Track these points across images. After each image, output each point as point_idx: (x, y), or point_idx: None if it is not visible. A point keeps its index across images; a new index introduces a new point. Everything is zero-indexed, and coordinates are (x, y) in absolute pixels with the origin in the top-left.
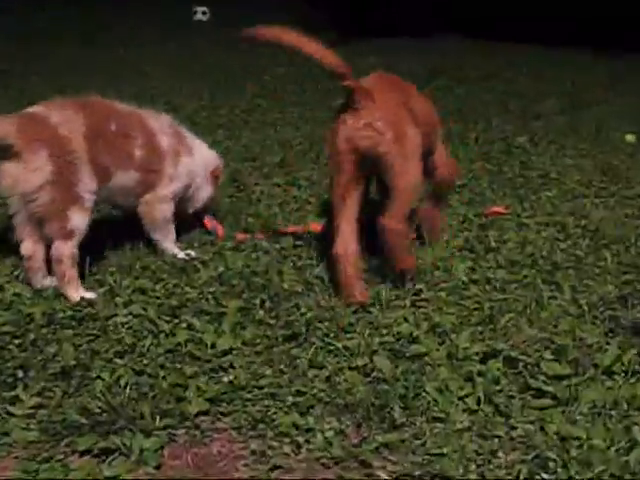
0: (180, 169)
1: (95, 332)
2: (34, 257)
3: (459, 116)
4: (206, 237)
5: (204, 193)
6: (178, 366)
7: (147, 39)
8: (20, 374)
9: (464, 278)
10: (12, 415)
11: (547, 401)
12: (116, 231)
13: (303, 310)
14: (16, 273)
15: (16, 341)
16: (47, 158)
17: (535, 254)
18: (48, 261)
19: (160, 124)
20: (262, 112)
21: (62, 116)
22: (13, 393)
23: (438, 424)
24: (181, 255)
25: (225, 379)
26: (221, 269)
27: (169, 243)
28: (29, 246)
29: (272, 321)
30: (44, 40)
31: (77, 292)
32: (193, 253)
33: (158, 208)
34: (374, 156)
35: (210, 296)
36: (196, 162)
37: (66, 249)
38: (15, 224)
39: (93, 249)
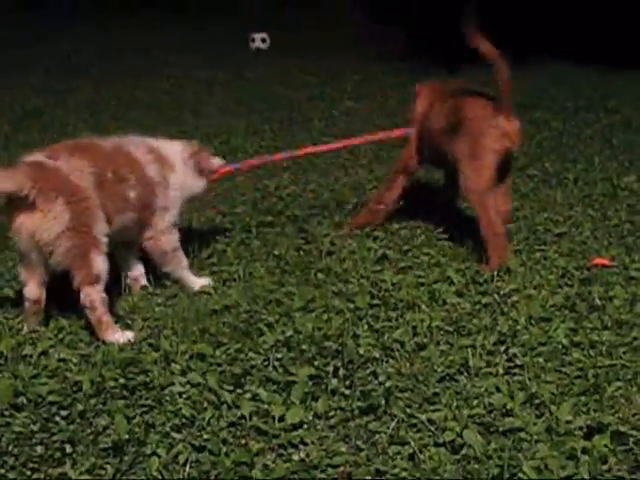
0: (172, 194)
1: (149, 403)
2: (39, 301)
3: (556, 154)
4: (272, 296)
5: (197, 188)
6: (242, 442)
7: (201, 71)
8: (68, 449)
9: (565, 341)
10: None
11: None
12: (169, 289)
13: (382, 379)
14: (61, 336)
15: (63, 412)
16: (64, 206)
17: None
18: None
19: (141, 152)
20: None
21: (70, 163)
22: (60, 470)
23: None
24: (199, 283)
25: (295, 457)
26: (289, 332)
27: (183, 271)
28: (34, 290)
29: (347, 391)
30: (93, 76)
31: (114, 335)
32: (208, 281)
33: (164, 240)
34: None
35: (277, 363)
36: (179, 174)
37: (96, 294)
38: (21, 268)
39: (145, 310)
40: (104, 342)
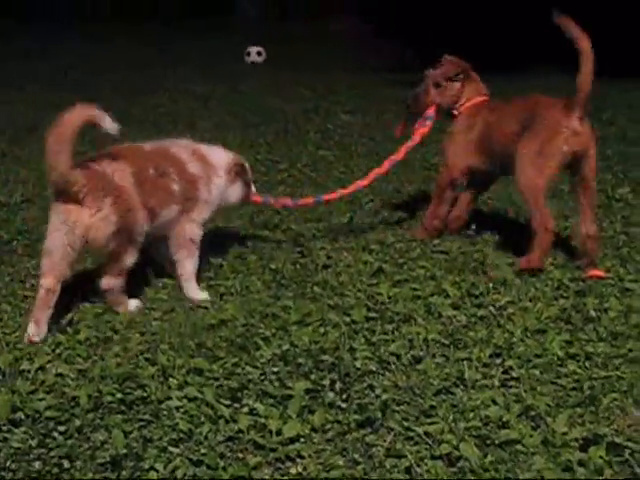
0: (214, 192)
1: (147, 417)
2: (53, 291)
3: None
4: (269, 310)
5: (233, 196)
6: (240, 456)
7: (196, 85)
8: (66, 464)
9: (560, 353)
10: None
11: None
12: (166, 304)
13: (378, 392)
14: (58, 351)
15: (61, 428)
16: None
17: None
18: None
19: (187, 152)
20: (327, 166)
21: (114, 166)
22: None
23: None
24: (198, 296)
25: (293, 470)
26: (285, 346)
27: (189, 267)
28: (51, 281)
29: (344, 404)
30: (89, 91)
31: (125, 306)
32: (206, 296)
33: (187, 228)
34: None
35: (274, 377)
36: (222, 180)
37: (117, 284)
38: (45, 259)
39: (142, 324)
40: (117, 313)
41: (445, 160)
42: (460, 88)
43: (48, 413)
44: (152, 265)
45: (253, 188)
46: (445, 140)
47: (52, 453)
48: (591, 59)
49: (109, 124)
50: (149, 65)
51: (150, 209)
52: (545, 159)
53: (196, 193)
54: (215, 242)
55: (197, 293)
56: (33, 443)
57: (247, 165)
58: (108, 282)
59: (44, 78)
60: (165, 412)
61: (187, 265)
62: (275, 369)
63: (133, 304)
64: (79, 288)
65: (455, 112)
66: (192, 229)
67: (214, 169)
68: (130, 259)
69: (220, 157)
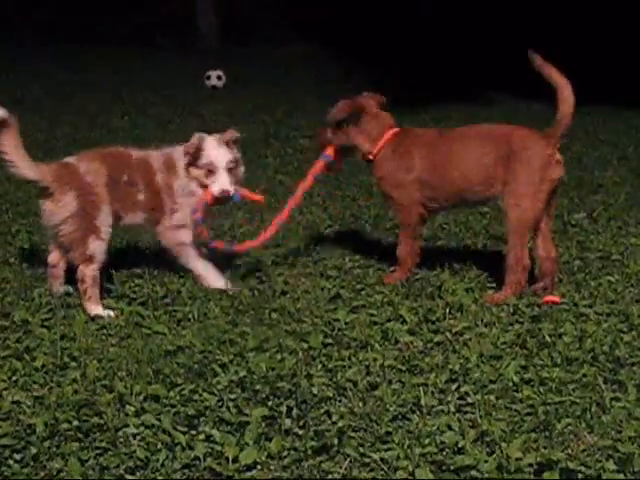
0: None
1: (104, 445)
2: (58, 266)
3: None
4: (226, 336)
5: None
6: None
7: (156, 108)
8: None
9: (515, 378)
10: None
11: None
12: (124, 330)
13: (335, 418)
14: (15, 378)
15: (17, 456)
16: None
17: (595, 349)
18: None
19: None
20: (285, 190)
21: (89, 166)
22: None
23: None
24: (218, 283)
25: None
26: (242, 373)
27: (195, 262)
28: (55, 256)
29: (300, 431)
30: (44, 113)
31: (96, 308)
32: (227, 284)
33: (174, 237)
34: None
35: (231, 403)
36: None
37: (88, 272)
38: (48, 241)
39: (99, 351)
40: (86, 313)
41: (398, 203)
42: (355, 129)
43: (3, 441)
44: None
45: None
46: (383, 186)
47: None
48: (572, 101)
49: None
50: (107, 88)
51: (115, 211)
52: (538, 191)
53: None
54: (173, 268)
55: (215, 280)
56: None
57: None
58: (80, 270)
59: None
60: (122, 440)
61: (195, 264)
62: (232, 396)
63: (105, 312)
64: None
65: (371, 157)
66: (174, 234)
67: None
68: (95, 246)
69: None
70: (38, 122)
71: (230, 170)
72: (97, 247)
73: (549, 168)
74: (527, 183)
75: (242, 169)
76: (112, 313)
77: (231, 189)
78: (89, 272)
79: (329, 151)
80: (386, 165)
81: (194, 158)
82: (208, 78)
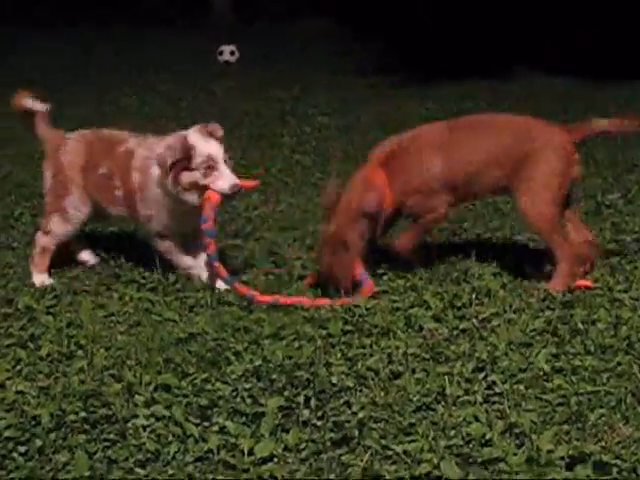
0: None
1: (112, 437)
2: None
3: None
4: (241, 323)
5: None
6: (210, 477)
7: (166, 85)
8: None
9: (546, 367)
10: None
11: None
12: (133, 317)
13: (355, 409)
14: (19, 368)
15: (21, 448)
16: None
17: (631, 336)
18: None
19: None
20: (303, 171)
21: (72, 147)
22: None
23: None
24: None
25: None
26: (258, 362)
27: (182, 261)
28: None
29: (319, 422)
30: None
31: (38, 276)
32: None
33: (156, 244)
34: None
35: (246, 393)
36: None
37: (42, 241)
38: None
39: (107, 339)
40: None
41: (422, 206)
42: None
43: (7, 433)
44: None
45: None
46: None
47: (12, 475)
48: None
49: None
50: (117, 65)
51: (96, 200)
52: (557, 187)
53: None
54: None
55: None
56: None
57: None
58: (37, 235)
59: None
60: (131, 431)
61: (181, 264)
62: (247, 385)
63: (40, 278)
64: None
65: None
66: (156, 242)
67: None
68: (56, 225)
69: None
70: (47, 99)
71: (225, 162)
72: (58, 226)
73: (572, 167)
74: (545, 180)
75: (231, 162)
76: (50, 281)
77: (239, 181)
78: (42, 242)
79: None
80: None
81: (185, 161)
82: (221, 54)
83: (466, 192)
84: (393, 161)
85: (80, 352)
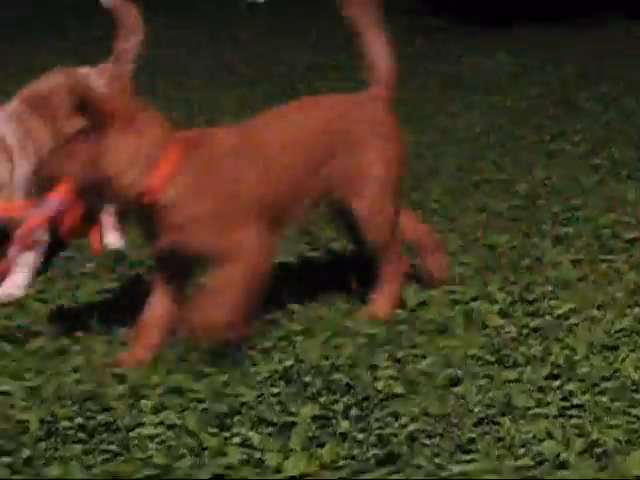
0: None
1: (113, 448)
2: None
3: (627, 139)
4: (268, 314)
5: None
6: None
7: (179, 30)
8: None
9: (634, 375)
10: None
11: None
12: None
13: (404, 420)
14: (3, 364)
15: (5, 459)
16: None
17: None
18: None
19: None
20: None
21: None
22: None
23: None
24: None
25: None
26: (288, 362)
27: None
28: None
29: (360, 435)
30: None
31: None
32: None
33: None
34: None
35: (273, 399)
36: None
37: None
38: None
39: (107, 332)
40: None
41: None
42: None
43: None
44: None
45: None
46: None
47: None
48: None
49: None
50: None
51: None
52: (396, 180)
53: None
54: None
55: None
56: None
57: None
58: None
59: None
60: (136, 442)
61: None
62: (275, 390)
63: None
64: None
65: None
66: None
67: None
68: None
69: None
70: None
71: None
72: None
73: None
74: (384, 172)
75: None
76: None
77: None
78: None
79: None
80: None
81: None
82: None
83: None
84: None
85: (76, 347)
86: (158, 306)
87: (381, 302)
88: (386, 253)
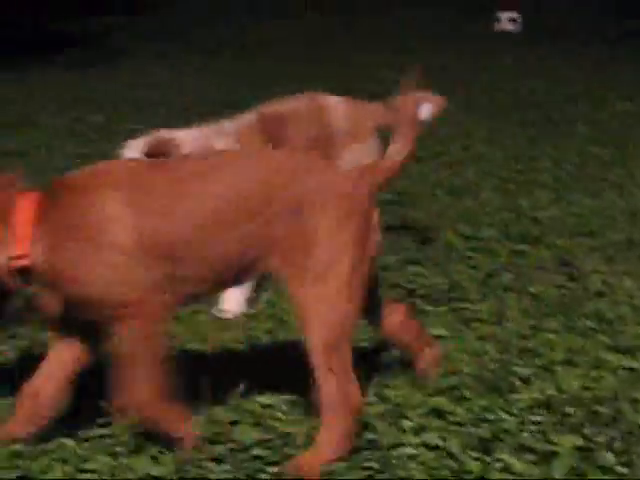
0: None
1: (374, 465)
2: None
3: None
4: (527, 343)
5: None
6: None
7: (433, 54)
8: None
9: None
10: None
11: None
12: None
13: None
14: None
15: (269, 469)
16: None
17: None
18: None
19: None
20: (600, 166)
21: None
22: None
23: None
24: None
25: None
26: (549, 391)
27: None
28: None
29: (624, 469)
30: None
31: None
32: None
33: None
34: None
35: (534, 427)
36: None
37: None
38: None
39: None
40: None
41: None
42: None
43: (256, 451)
44: None
45: None
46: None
47: None
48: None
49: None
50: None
51: None
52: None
53: None
54: (458, 256)
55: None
56: None
57: None
58: None
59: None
60: (396, 461)
61: None
62: (536, 418)
63: None
64: None
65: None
66: None
67: None
68: None
69: None
70: None
71: None
72: None
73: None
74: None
75: None
76: None
77: None
78: None
79: None
80: None
81: None
82: (497, 20)
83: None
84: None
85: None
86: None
87: (321, 448)
88: (327, 367)
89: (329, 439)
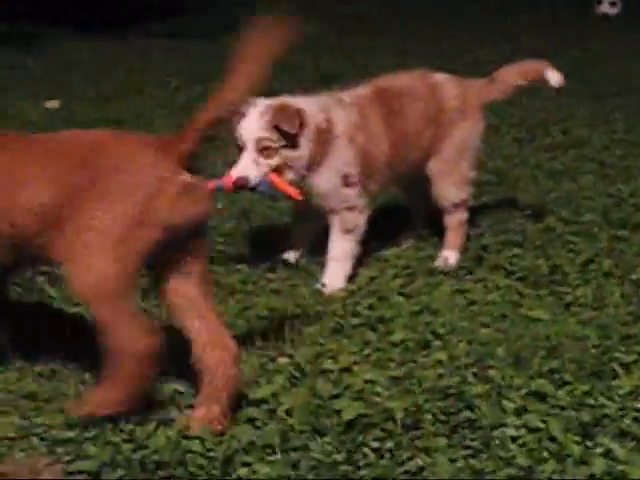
0: None
1: (475, 445)
2: None
3: None
4: (628, 329)
5: None
6: None
7: (537, 38)
8: None
9: None
10: None
11: None
12: (496, 307)
13: None
14: (366, 352)
15: (373, 444)
16: None
17: None
18: None
19: None
20: None
21: None
22: None
23: None
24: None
25: None
26: None
27: None
28: None
29: None
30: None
31: None
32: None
33: None
34: None
35: (636, 414)
36: None
37: None
38: None
39: (469, 330)
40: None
41: None
42: None
43: (356, 426)
44: None
45: None
46: None
47: (362, 472)
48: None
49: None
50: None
51: None
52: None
53: None
54: (559, 240)
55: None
56: (339, 457)
57: None
58: None
59: None
60: (497, 441)
61: None
62: (637, 405)
63: None
64: None
65: None
66: None
67: None
68: None
69: None
70: None
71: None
72: None
73: (157, 203)
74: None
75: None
76: None
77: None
78: None
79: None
80: None
81: None
82: (599, 3)
83: None
84: None
85: (437, 342)
86: None
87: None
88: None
89: (105, 391)
